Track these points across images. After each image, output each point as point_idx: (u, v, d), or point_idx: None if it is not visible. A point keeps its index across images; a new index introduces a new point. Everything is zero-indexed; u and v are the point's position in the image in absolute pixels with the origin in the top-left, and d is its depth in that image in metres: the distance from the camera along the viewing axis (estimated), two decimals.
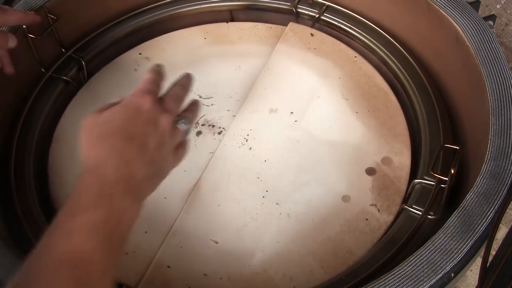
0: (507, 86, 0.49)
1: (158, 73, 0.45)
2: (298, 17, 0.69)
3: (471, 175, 0.51)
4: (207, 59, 0.65)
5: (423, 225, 0.49)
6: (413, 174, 0.54)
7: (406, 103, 0.60)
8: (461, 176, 0.52)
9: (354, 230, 0.49)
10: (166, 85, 0.45)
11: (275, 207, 0.52)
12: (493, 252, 0.41)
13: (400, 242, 0.48)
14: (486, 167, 0.45)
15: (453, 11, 0.55)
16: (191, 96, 0.61)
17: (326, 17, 0.67)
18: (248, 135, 0.57)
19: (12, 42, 0.54)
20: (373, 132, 0.56)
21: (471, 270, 0.64)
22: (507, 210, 0.54)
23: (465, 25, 0.54)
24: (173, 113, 0.42)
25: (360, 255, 0.48)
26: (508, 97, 0.49)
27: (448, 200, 0.49)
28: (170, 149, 0.42)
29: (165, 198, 0.53)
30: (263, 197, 0.52)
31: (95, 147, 0.38)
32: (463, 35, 0.53)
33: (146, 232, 0.51)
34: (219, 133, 0.58)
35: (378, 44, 0.64)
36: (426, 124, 0.56)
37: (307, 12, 0.68)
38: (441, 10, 0.56)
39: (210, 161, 0.55)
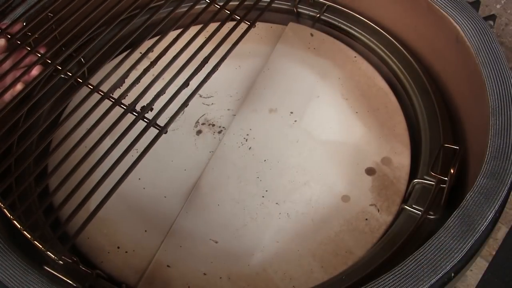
0: (507, 86, 0.49)
1: None
2: (298, 17, 0.69)
3: (471, 175, 0.51)
4: (208, 58, 0.65)
5: (423, 225, 0.49)
6: (413, 174, 0.54)
7: (406, 103, 0.60)
8: (461, 176, 0.52)
9: (354, 230, 0.49)
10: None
11: (274, 207, 0.52)
12: (492, 252, 0.41)
13: (400, 242, 0.47)
14: (486, 167, 0.45)
15: (453, 11, 0.55)
16: (190, 97, 0.61)
17: (327, 17, 0.67)
18: (248, 134, 0.57)
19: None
20: (373, 132, 0.56)
21: (471, 270, 0.64)
22: (507, 210, 0.54)
23: (465, 25, 0.54)
24: None
25: (360, 255, 0.48)
26: (508, 97, 0.49)
27: (448, 200, 0.49)
28: None
29: (165, 197, 0.53)
30: (263, 196, 0.52)
31: None
32: (463, 35, 0.53)
33: (146, 231, 0.51)
34: (219, 132, 0.58)
35: (378, 44, 0.64)
36: (426, 124, 0.56)
37: (308, 12, 0.68)
38: (441, 10, 0.56)
39: (210, 161, 0.55)
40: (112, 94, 0.51)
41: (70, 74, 0.53)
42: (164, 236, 0.50)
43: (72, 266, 0.48)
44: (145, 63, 0.60)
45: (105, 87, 0.52)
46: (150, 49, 0.61)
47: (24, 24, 0.56)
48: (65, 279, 0.47)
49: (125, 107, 0.51)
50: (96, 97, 0.50)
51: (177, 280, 0.47)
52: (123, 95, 0.52)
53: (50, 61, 0.53)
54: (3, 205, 0.46)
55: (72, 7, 0.64)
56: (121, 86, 0.54)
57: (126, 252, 0.50)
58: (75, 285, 0.47)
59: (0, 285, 0.45)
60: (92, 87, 0.51)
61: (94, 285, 0.48)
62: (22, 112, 0.52)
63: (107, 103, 0.50)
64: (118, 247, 0.50)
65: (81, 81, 0.52)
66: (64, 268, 0.48)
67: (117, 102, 0.50)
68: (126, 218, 0.52)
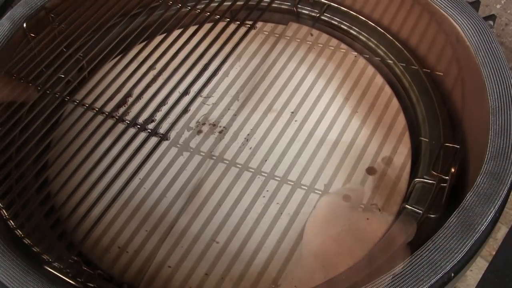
0: (507, 86, 0.49)
1: None
2: (298, 17, 0.69)
3: (471, 175, 0.52)
4: (208, 58, 0.65)
5: (423, 224, 0.49)
6: (413, 174, 0.54)
7: (406, 103, 0.60)
8: (461, 175, 0.52)
9: (355, 229, 0.50)
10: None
11: (275, 206, 0.52)
12: (492, 252, 0.41)
13: (400, 241, 0.48)
14: (486, 167, 0.45)
15: (453, 11, 0.55)
16: (191, 96, 0.61)
17: (327, 17, 0.67)
18: (248, 134, 0.57)
19: None
20: (373, 132, 0.56)
21: (471, 270, 0.64)
22: (507, 210, 0.54)
23: (465, 25, 0.54)
24: None
25: (361, 254, 0.48)
26: (508, 97, 0.49)
27: (448, 199, 0.50)
28: None
29: (166, 197, 0.53)
30: (264, 196, 0.52)
31: None
32: (463, 35, 0.54)
33: (146, 231, 0.51)
34: (220, 132, 0.58)
35: (378, 44, 0.64)
36: (426, 124, 0.56)
37: (308, 12, 0.68)
38: (441, 10, 0.56)
39: (211, 161, 0.55)
40: (116, 112, 0.58)
41: (77, 102, 0.60)
42: (165, 237, 0.50)
43: (73, 266, 0.48)
44: (146, 79, 0.62)
45: (108, 107, 0.58)
46: (152, 67, 0.63)
47: None
48: (66, 279, 0.48)
49: (127, 122, 0.57)
50: (100, 117, 0.58)
51: (178, 281, 0.48)
52: (126, 112, 0.58)
53: (58, 94, 0.61)
54: (15, 225, 0.52)
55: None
56: (125, 105, 0.60)
57: (127, 252, 0.50)
58: (76, 285, 0.47)
59: (0, 285, 0.45)
60: (97, 110, 0.58)
61: (95, 286, 0.48)
62: (38, 138, 0.58)
63: (111, 121, 0.58)
64: (119, 247, 0.50)
65: (87, 105, 0.59)
66: (64, 268, 0.48)
67: (120, 119, 0.58)
68: (127, 218, 0.52)
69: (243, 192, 0.53)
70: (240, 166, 0.55)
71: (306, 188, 0.53)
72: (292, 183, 0.53)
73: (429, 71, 0.61)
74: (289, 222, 0.51)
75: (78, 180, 0.54)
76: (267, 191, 0.53)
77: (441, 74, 0.60)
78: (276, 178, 0.54)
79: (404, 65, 0.62)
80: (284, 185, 0.53)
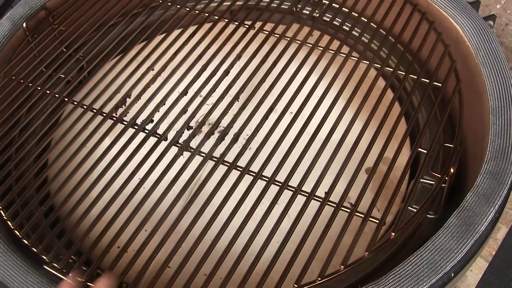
0: (507, 86, 0.49)
1: None
2: (298, 17, 0.69)
3: (471, 175, 0.52)
4: (208, 58, 0.65)
5: (423, 224, 0.49)
6: (413, 174, 0.53)
7: (406, 103, 0.59)
8: (461, 176, 0.52)
9: (354, 229, 0.49)
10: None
11: (275, 207, 0.51)
12: (492, 252, 0.41)
13: (400, 241, 0.48)
14: (486, 167, 0.45)
15: (453, 11, 0.55)
16: (190, 95, 0.61)
17: (327, 16, 0.67)
18: (247, 134, 0.57)
19: None
20: (373, 132, 0.56)
21: (471, 270, 0.64)
22: (507, 210, 0.54)
23: (465, 25, 0.54)
24: None
25: (360, 254, 0.48)
26: (508, 97, 0.49)
27: (448, 199, 0.50)
28: None
29: (165, 197, 0.53)
30: (263, 197, 0.52)
31: None
32: (463, 35, 0.54)
33: (146, 231, 0.51)
34: (219, 132, 0.58)
35: (378, 44, 0.64)
36: (426, 125, 0.56)
37: (308, 12, 0.68)
38: (441, 10, 0.56)
39: (210, 161, 0.55)
40: (115, 112, 0.60)
41: (77, 102, 0.62)
42: (164, 237, 0.50)
43: (73, 266, 0.48)
44: (146, 79, 0.62)
45: (107, 108, 0.59)
46: (150, 67, 0.63)
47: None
48: (65, 279, 0.47)
49: (126, 123, 0.58)
50: (99, 118, 0.59)
51: (177, 281, 0.47)
52: (125, 112, 0.59)
53: (57, 95, 0.62)
54: (15, 225, 0.52)
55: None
56: (124, 105, 0.61)
57: (127, 252, 0.50)
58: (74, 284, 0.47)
59: (0, 285, 0.45)
60: (95, 110, 0.60)
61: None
62: (38, 139, 0.59)
63: (110, 121, 0.59)
64: (118, 247, 0.50)
65: (86, 106, 0.60)
66: (64, 268, 0.49)
67: (119, 119, 0.59)
68: (126, 218, 0.52)
69: (243, 192, 0.53)
70: (239, 166, 0.55)
71: (305, 188, 0.53)
72: (292, 183, 0.53)
73: (428, 71, 0.61)
74: (288, 222, 0.50)
75: (78, 180, 0.54)
76: (268, 194, 0.53)
77: (441, 74, 0.60)
78: (275, 178, 0.54)
79: (404, 65, 0.62)
80: (284, 185, 0.53)
